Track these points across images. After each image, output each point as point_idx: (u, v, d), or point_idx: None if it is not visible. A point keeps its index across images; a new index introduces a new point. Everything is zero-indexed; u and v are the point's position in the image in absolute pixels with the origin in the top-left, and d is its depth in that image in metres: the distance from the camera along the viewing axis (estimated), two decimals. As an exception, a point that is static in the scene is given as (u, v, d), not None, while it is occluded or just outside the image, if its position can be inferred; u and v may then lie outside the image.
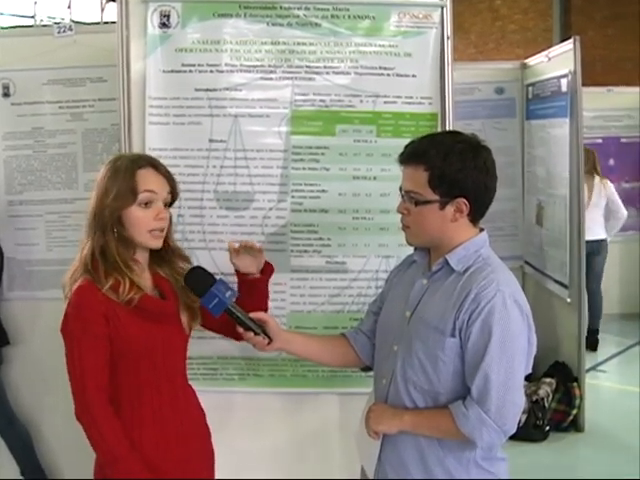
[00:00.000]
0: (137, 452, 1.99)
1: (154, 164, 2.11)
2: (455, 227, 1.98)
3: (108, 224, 2.02)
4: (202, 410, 2.26)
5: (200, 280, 2.09)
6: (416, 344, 1.97)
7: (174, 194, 2.14)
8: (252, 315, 2.14)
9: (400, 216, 2.05)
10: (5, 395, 3.66)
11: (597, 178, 6.25)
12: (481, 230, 2.04)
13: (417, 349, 1.97)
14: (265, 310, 2.32)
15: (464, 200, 1.94)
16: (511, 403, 1.88)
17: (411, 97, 2.86)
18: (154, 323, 2.06)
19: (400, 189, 2.03)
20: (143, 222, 2.05)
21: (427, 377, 1.95)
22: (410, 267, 2.17)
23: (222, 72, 2.83)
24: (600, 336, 6.44)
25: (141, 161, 2.10)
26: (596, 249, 6.23)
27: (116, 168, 2.06)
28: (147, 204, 2.05)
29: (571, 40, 4.54)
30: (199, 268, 2.14)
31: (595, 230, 6.22)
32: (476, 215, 2.00)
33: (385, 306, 2.19)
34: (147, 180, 2.06)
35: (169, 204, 2.14)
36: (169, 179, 2.12)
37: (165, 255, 2.17)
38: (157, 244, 2.10)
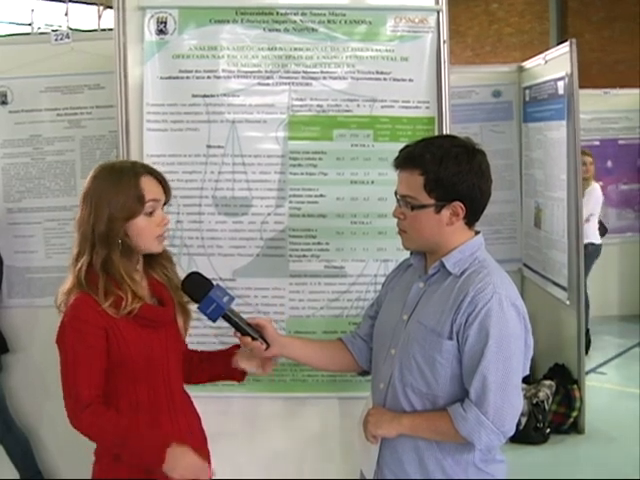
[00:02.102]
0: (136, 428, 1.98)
1: (150, 171, 2.09)
2: (451, 231, 1.98)
3: (114, 236, 1.99)
4: (198, 415, 2.26)
5: (197, 286, 2.09)
6: (414, 347, 1.98)
7: (168, 196, 2.13)
8: (250, 320, 2.14)
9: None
10: (4, 402, 3.67)
11: None
12: (477, 233, 2.04)
13: (415, 352, 1.97)
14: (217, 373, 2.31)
15: (460, 204, 1.94)
16: (509, 405, 1.88)
17: (408, 101, 2.87)
18: (154, 331, 2.06)
19: (396, 193, 2.03)
20: (149, 230, 2.04)
21: (425, 380, 1.95)
22: (407, 271, 2.18)
23: (219, 78, 2.84)
24: (600, 338, 6.45)
25: (139, 169, 2.07)
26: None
27: (117, 178, 2.02)
28: (151, 213, 2.04)
29: (567, 43, 4.55)
30: (196, 274, 2.13)
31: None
32: (472, 218, 2.00)
33: (382, 310, 2.20)
34: (150, 189, 2.04)
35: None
36: (164, 183, 2.10)
37: (156, 257, 2.16)
38: (161, 248, 2.11)
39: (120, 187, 2.00)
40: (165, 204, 2.13)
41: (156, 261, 2.15)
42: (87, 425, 1.96)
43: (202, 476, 1.97)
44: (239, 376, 2.27)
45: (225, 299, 2.06)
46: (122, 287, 1.98)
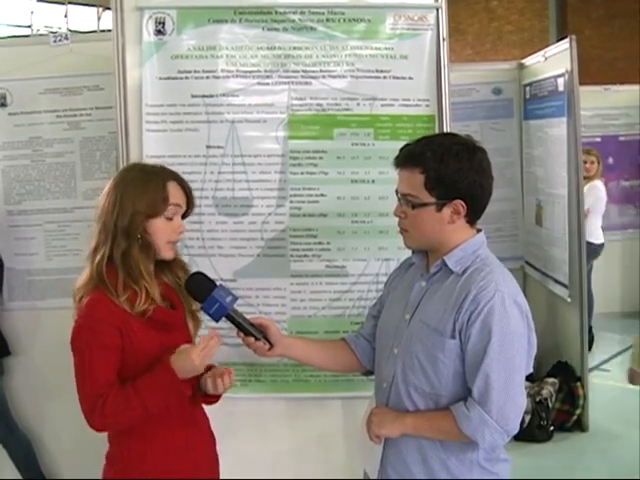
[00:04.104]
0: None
1: (178, 178, 2.12)
2: (452, 229, 1.97)
3: (134, 230, 2.01)
4: (207, 417, 2.25)
5: (201, 286, 2.08)
6: (416, 346, 1.97)
7: (190, 206, 2.16)
8: (253, 320, 2.13)
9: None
10: (6, 404, 3.66)
11: None
12: (478, 231, 2.03)
13: (417, 351, 1.96)
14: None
15: (461, 202, 1.93)
16: (512, 403, 1.87)
17: (408, 99, 2.86)
18: (166, 333, 2.06)
19: (396, 192, 2.02)
20: (164, 233, 2.06)
21: (428, 379, 1.95)
22: (408, 270, 2.17)
23: (218, 78, 2.83)
24: (603, 335, 6.44)
25: (168, 173, 2.11)
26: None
27: (146, 175, 2.07)
28: (171, 215, 2.07)
29: (567, 39, 4.54)
30: (199, 274, 2.13)
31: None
32: (473, 216, 1.99)
33: (384, 309, 2.19)
34: (175, 193, 2.08)
35: (183, 216, 2.16)
36: (189, 194, 2.14)
37: (169, 263, 2.16)
38: (171, 255, 2.12)
39: (148, 186, 2.04)
40: (186, 216, 2.16)
41: (168, 267, 2.16)
42: (102, 421, 1.94)
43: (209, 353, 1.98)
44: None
45: (228, 299, 2.06)
46: (138, 283, 2.00)
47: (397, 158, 2.01)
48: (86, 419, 1.95)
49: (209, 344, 1.97)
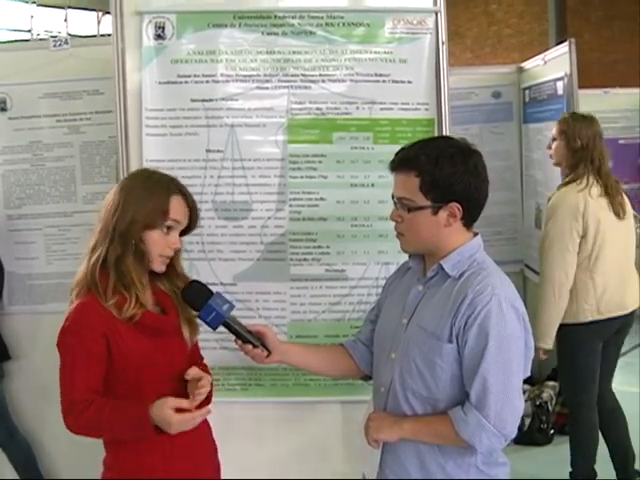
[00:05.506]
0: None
1: (184, 193, 2.11)
2: (449, 232, 1.97)
3: (130, 238, 2.01)
4: (208, 424, 2.24)
5: (197, 294, 2.08)
6: (413, 351, 1.97)
7: (193, 223, 2.15)
8: (250, 327, 2.13)
9: (396, 223, 2.05)
10: (6, 408, 3.67)
11: None
12: (475, 234, 2.04)
13: (414, 356, 1.96)
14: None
15: (457, 205, 1.94)
16: (510, 407, 1.87)
17: (407, 103, 2.86)
18: (155, 339, 2.05)
19: (392, 196, 2.03)
20: (158, 246, 2.05)
21: (425, 384, 1.95)
22: (406, 274, 2.17)
23: (218, 82, 2.83)
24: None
25: (174, 186, 2.10)
26: None
27: (151, 185, 2.07)
28: (168, 229, 2.06)
29: (566, 43, 4.54)
30: (196, 282, 2.13)
31: None
32: (469, 219, 1.99)
33: (382, 314, 2.19)
34: (177, 209, 2.07)
35: (184, 232, 2.15)
36: (193, 210, 2.13)
37: (168, 273, 2.16)
38: (162, 269, 2.11)
39: (150, 196, 2.04)
40: (187, 232, 2.15)
41: (167, 277, 2.16)
42: (75, 426, 1.98)
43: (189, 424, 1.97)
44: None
45: (225, 307, 2.06)
46: (128, 289, 2.00)
47: (392, 162, 2.02)
48: (63, 418, 1.98)
49: (195, 419, 1.97)
